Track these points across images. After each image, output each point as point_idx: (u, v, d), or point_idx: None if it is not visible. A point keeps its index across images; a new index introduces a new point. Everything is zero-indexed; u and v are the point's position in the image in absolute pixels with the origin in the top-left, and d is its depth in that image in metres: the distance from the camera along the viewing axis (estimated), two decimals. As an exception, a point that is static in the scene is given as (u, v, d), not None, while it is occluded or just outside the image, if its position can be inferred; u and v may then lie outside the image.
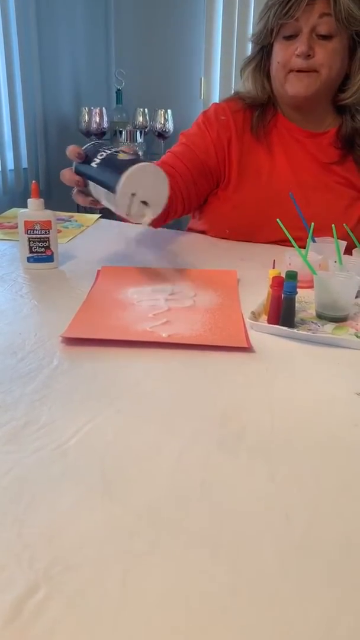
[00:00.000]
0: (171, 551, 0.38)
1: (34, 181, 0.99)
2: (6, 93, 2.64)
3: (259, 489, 0.44)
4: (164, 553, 0.38)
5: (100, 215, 1.42)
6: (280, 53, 1.08)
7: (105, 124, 2.85)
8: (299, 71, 1.06)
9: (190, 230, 1.34)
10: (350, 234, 0.92)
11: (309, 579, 0.36)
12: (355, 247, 0.92)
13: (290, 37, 1.06)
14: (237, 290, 0.87)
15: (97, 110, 2.81)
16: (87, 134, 2.85)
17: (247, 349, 0.67)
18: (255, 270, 0.97)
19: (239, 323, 0.74)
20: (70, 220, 1.36)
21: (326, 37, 1.04)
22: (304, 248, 0.85)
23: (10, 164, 2.72)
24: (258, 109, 1.18)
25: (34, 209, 0.96)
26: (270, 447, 0.50)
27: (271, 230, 1.17)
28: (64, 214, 1.40)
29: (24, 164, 2.81)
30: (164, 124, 2.85)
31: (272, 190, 1.17)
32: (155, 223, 1.12)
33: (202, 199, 1.25)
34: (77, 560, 0.37)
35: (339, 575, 0.37)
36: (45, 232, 0.96)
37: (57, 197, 2.99)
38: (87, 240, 1.19)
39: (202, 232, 1.29)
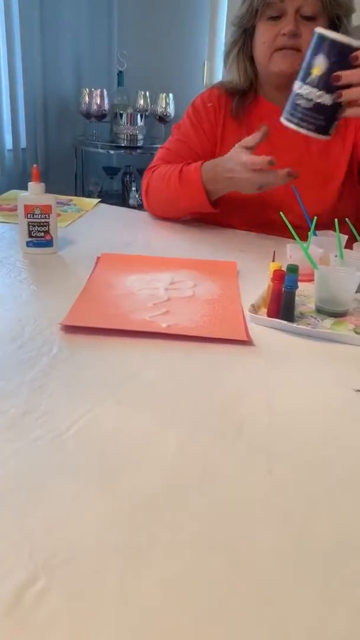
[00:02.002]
0: (169, 544, 0.38)
1: (34, 165, 0.97)
2: (6, 73, 2.60)
3: (257, 484, 0.44)
4: (163, 546, 0.38)
5: (99, 200, 1.41)
6: (265, 33, 1.09)
7: (106, 106, 2.81)
8: (283, 49, 1.07)
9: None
10: (352, 227, 0.92)
11: (306, 573, 0.37)
12: (356, 240, 0.92)
13: (275, 18, 1.07)
14: (237, 282, 0.87)
15: (98, 91, 2.78)
16: (87, 115, 2.82)
17: (247, 342, 0.67)
18: (255, 261, 0.97)
19: (238, 315, 0.74)
20: (69, 204, 1.35)
21: (310, 18, 1.05)
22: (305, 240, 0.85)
23: (8, 144, 2.69)
24: (238, 94, 1.20)
25: (35, 193, 0.95)
26: (268, 441, 0.50)
27: (251, 213, 1.18)
28: (63, 198, 1.39)
29: (23, 144, 2.78)
30: (165, 108, 2.82)
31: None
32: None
33: None
34: (77, 552, 0.37)
35: (335, 570, 0.37)
36: (45, 216, 0.95)
37: (55, 179, 2.96)
38: (87, 225, 1.18)
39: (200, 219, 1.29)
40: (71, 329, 0.68)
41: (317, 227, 0.90)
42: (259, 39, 1.11)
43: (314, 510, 0.42)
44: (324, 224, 0.94)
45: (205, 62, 2.91)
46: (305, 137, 1.19)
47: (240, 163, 1.00)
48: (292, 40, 1.05)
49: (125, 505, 0.41)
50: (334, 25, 1.08)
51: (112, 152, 2.91)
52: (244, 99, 1.20)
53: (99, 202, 1.39)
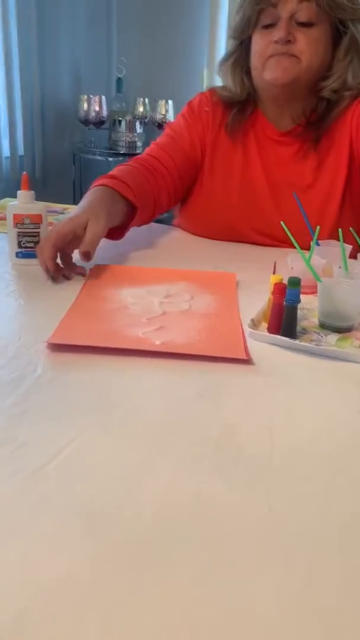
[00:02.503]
0: (158, 597, 0.34)
1: (24, 172, 0.94)
2: (3, 79, 2.58)
3: (256, 523, 0.40)
4: (150, 599, 0.33)
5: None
6: (258, 42, 1.03)
7: (105, 113, 2.79)
8: (277, 55, 1.01)
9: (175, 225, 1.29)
10: (356, 237, 0.88)
11: (308, 630, 0.32)
12: (361, 251, 0.88)
13: (269, 26, 1.01)
14: (236, 294, 0.83)
15: (97, 98, 2.75)
16: (86, 122, 2.79)
17: (246, 360, 0.63)
18: (256, 273, 0.93)
19: (237, 331, 0.70)
20: (63, 213, 1.31)
21: (306, 25, 0.98)
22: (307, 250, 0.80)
23: (6, 151, 2.66)
24: (236, 107, 1.13)
25: (24, 202, 0.91)
26: (269, 472, 0.45)
27: (245, 233, 1.14)
28: (57, 206, 1.35)
29: (20, 151, 2.75)
30: (165, 115, 2.79)
31: (244, 193, 1.13)
32: (143, 220, 1.08)
33: (186, 192, 1.21)
34: (52, 609, 0.32)
35: (340, 629, 0.32)
36: (36, 226, 0.91)
37: (53, 187, 2.94)
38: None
39: (180, 227, 1.26)
40: (58, 347, 0.64)
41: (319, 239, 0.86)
42: (253, 49, 1.06)
43: (320, 555, 0.38)
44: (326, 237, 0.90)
45: (205, 68, 2.89)
46: (300, 158, 1.16)
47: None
48: (285, 47, 0.99)
49: (110, 552, 0.37)
50: (338, 32, 1.02)
51: (110, 159, 2.87)
52: (242, 112, 1.13)
53: (95, 210, 1.35)
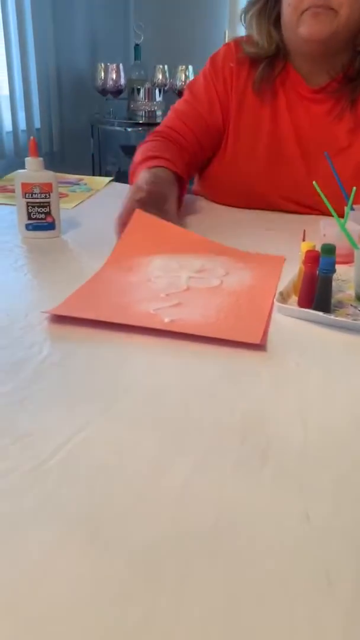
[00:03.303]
0: (172, 620, 0.28)
1: (32, 137, 0.87)
2: (17, 49, 2.50)
3: (288, 532, 0.34)
4: (163, 624, 0.28)
5: (112, 178, 1.31)
6: None
7: (123, 82, 2.69)
8: (313, 8, 0.90)
9: (194, 192, 1.22)
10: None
11: None
12: None
13: None
14: (279, 275, 0.73)
15: (114, 66, 2.65)
16: (103, 92, 2.70)
17: (259, 345, 0.55)
18: (283, 241, 0.85)
19: (262, 313, 0.62)
20: (79, 184, 1.25)
21: None
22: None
23: (22, 124, 2.60)
24: (264, 62, 1.03)
25: (33, 170, 0.85)
26: (303, 470, 0.39)
27: (271, 198, 1.06)
28: (72, 177, 1.28)
29: (37, 124, 2.68)
30: (185, 82, 2.68)
31: (273, 155, 1.05)
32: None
33: (207, 159, 1.13)
34: (52, 614, 0.27)
35: None
36: (46, 196, 0.85)
37: (71, 160, 2.87)
38: (96, 206, 1.08)
39: (201, 195, 1.18)
40: (58, 320, 0.58)
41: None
42: (285, 1, 0.95)
43: (368, 574, 0.31)
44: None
45: (227, 31, 2.75)
46: (334, 118, 1.06)
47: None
48: (322, 0, 0.89)
49: (116, 564, 0.31)
50: None
51: (129, 129, 2.79)
52: (270, 67, 1.03)
53: (111, 180, 1.28)
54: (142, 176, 0.92)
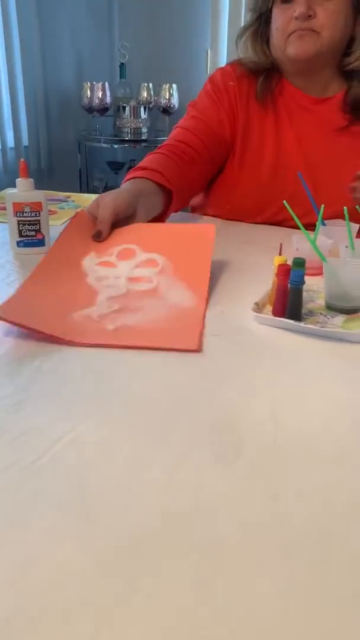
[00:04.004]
0: (153, 595, 0.32)
1: (22, 159, 0.92)
2: (5, 68, 2.55)
3: (259, 516, 0.38)
4: (145, 597, 0.32)
5: (99, 194, 1.35)
6: (279, 18, 1.02)
7: (108, 100, 2.75)
8: (298, 31, 1.00)
9: (192, 205, 1.27)
10: (364, 215, 0.85)
11: (315, 627, 0.30)
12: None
13: (289, 1, 1.00)
14: (210, 255, 0.77)
15: (100, 85, 2.72)
16: (90, 109, 2.76)
17: (197, 351, 0.60)
18: (261, 255, 0.90)
19: (197, 318, 0.66)
20: (67, 201, 1.29)
21: None
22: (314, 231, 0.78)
23: (10, 142, 2.65)
24: (263, 74, 1.11)
25: (23, 190, 0.89)
26: (273, 462, 0.44)
27: (276, 209, 1.10)
28: (60, 194, 1.33)
29: (25, 141, 2.73)
30: (169, 99, 2.75)
31: (278, 165, 1.10)
32: (180, 204, 1.06)
33: (217, 172, 1.17)
34: (41, 609, 0.31)
35: (350, 620, 0.31)
36: (36, 214, 0.89)
37: (59, 176, 2.92)
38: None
39: (202, 206, 1.23)
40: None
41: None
42: (273, 25, 1.04)
43: (325, 547, 0.36)
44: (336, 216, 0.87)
45: (209, 50, 2.84)
46: (330, 125, 1.13)
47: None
48: (305, 23, 0.98)
49: (105, 547, 0.36)
50: (358, 2, 1.01)
51: (116, 146, 2.85)
52: (269, 79, 1.11)
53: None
54: (119, 189, 0.95)
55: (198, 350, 0.60)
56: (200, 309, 0.69)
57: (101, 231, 0.85)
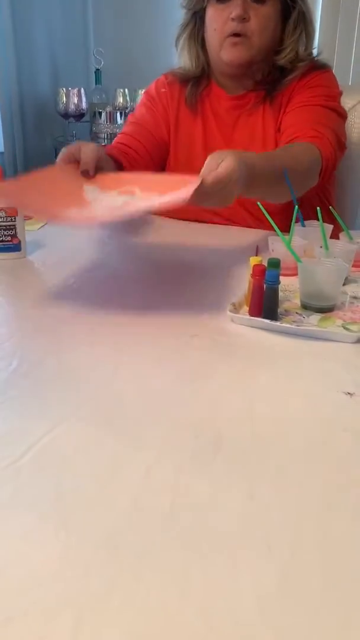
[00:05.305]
0: (132, 593, 0.32)
1: (-4, 166, 0.91)
2: (-21, 74, 2.54)
3: (235, 512, 0.39)
4: (124, 596, 0.32)
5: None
6: (215, 19, 1.06)
7: (84, 105, 2.75)
8: (234, 36, 1.04)
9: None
10: (338, 218, 0.87)
11: (292, 620, 0.31)
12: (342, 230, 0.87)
13: (224, 1, 1.03)
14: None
15: (76, 91, 2.71)
16: (66, 115, 2.75)
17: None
18: (238, 256, 0.91)
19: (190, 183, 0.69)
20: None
21: (259, 1, 1.02)
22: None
23: (-14, 149, 2.63)
24: (191, 81, 1.17)
25: (-2, 195, 0.89)
26: (249, 459, 0.44)
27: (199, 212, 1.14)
28: (36, 200, 1.33)
29: (1, 147, 2.71)
30: (145, 105, 2.76)
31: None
32: None
33: (159, 170, 1.22)
34: (20, 608, 0.31)
35: (325, 616, 0.31)
36: (11, 219, 0.89)
37: (36, 182, 2.89)
38: (60, 227, 1.12)
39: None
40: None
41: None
42: (209, 25, 1.07)
43: (301, 544, 0.37)
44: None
45: (184, 56, 2.85)
46: (258, 122, 1.16)
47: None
48: (240, 26, 1.02)
49: (83, 547, 0.36)
50: (287, 7, 1.05)
51: (92, 152, 2.84)
52: (197, 85, 1.17)
53: (75, 202, 1.33)
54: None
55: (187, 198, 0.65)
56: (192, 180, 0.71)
57: (87, 170, 0.88)
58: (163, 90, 1.19)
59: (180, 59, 1.18)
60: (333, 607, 0.32)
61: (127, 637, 0.30)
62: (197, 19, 1.11)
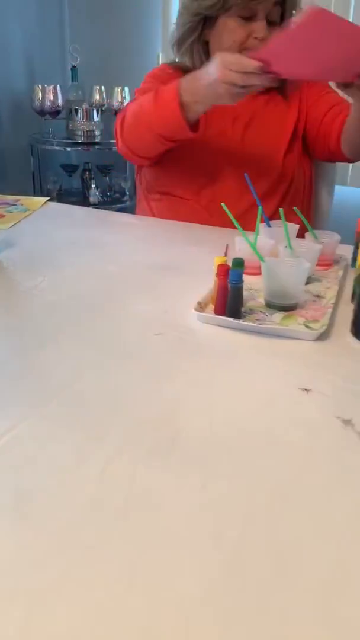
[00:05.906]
0: (81, 584, 0.34)
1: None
2: None
3: (187, 505, 0.40)
4: (73, 587, 0.33)
5: (48, 198, 1.35)
6: (237, 32, 1.07)
7: (60, 103, 2.73)
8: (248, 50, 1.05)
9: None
10: (302, 218, 0.88)
11: (238, 608, 0.32)
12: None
13: (247, 18, 1.06)
14: None
15: (51, 88, 2.70)
16: (42, 112, 2.74)
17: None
18: (205, 255, 0.92)
19: None
20: (15, 204, 1.29)
21: (273, 23, 1.07)
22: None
23: None
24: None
25: (-33, 194, 0.89)
26: (205, 452, 0.46)
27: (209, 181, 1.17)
28: (9, 198, 1.33)
29: (-24, 145, 2.69)
30: (122, 102, 2.75)
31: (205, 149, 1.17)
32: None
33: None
34: (-25, 601, 0.32)
35: (269, 602, 0.33)
36: (-19, 218, 0.89)
37: (12, 179, 2.88)
38: (31, 226, 1.13)
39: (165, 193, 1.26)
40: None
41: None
42: (227, 36, 1.08)
43: (249, 535, 0.38)
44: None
45: (160, 53, 2.86)
46: (259, 99, 1.20)
47: (222, 62, 0.90)
48: (260, 45, 1.04)
49: (38, 540, 0.37)
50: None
51: (69, 149, 2.83)
52: None
53: (48, 200, 1.33)
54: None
55: None
56: None
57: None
58: (169, 70, 1.20)
59: (181, 59, 1.19)
60: (278, 593, 0.33)
61: (76, 626, 0.31)
62: (204, 24, 1.12)
